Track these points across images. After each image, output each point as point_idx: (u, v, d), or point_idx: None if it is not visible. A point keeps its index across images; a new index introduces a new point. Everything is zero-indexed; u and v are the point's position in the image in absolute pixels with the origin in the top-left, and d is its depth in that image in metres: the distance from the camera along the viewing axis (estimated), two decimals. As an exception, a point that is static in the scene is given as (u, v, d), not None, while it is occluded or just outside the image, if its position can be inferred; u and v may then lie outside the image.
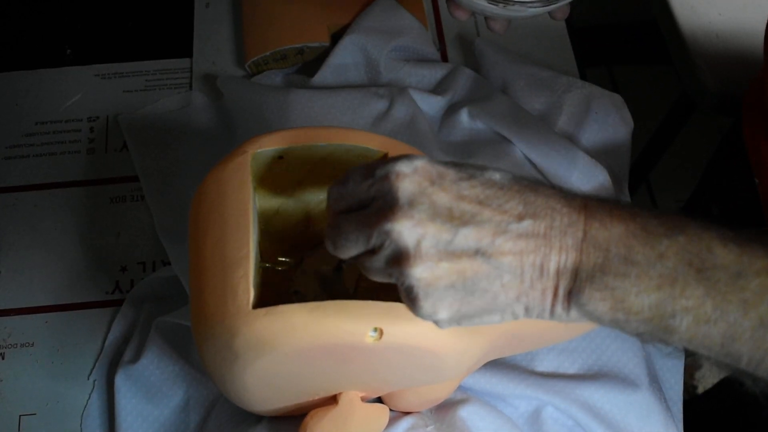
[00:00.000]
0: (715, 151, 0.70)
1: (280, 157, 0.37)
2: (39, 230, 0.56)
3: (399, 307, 0.32)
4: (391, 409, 0.42)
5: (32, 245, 0.56)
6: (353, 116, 0.56)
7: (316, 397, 0.39)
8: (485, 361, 0.40)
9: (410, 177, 0.31)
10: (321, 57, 0.62)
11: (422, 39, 0.62)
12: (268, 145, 0.36)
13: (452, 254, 0.30)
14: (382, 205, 0.31)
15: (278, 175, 0.38)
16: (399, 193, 0.30)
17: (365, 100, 0.57)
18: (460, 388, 0.46)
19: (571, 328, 0.40)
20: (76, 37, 0.65)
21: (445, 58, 0.65)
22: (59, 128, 0.61)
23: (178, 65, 0.64)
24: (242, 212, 0.35)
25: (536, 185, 0.31)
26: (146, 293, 0.53)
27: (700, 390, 1.13)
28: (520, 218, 0.30)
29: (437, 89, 0.60)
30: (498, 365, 0.47)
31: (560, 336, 0.42)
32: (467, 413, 0.44)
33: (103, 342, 0.52)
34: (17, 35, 0.66)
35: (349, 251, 0.32)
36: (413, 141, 0.54)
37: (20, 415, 0.50)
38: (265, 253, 0.40)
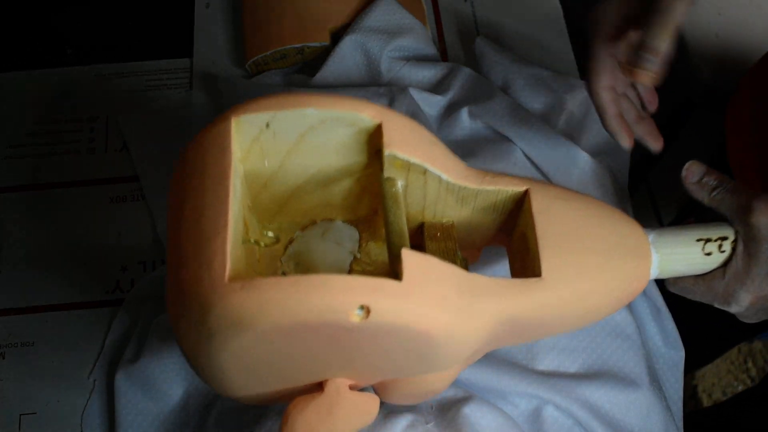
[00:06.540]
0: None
1: (266, 126, 0.35)
2: (39, 230, 0.56)
3: (389, 284, 0.30)
4: (386, 402, 0.41)
5: (32, 245, 0.56)
6: (353, 116, 0.56)
7: (300, 384, 0.36)
8: (485, 352, 0.38)
9: None
10: (321, 57, 0.62)
11: (422, 39, 0.62)
12: (253, 111, 0.34)
13: None
14: None
15: (265, 145, 0.35)
16: None
17: (365, 99, 0.57)
18: (461, 385, 0.46)
19: (573, 319, 0.38)
20: (76, 37, 0.66)
21: (445, 58, 0.65)
22: (59, 128, 0.61)
23: (178, 65, 0.64)
24: (222, 180, 0.32)
25: None
26: (146, 293, 0.53)
27: (700, 389, 1.13)
28: None
29: (437, 89, 0.60)
30: (498, 362, 0.47)
31: (561, 325, 0.40)
32: (469, 410, 0.44)
33: (103, 341, 0.52)
34: (17, 35, 0.66)
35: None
36: (413, 140, 0.55)
37: (20, 414, 0.50)
38: (252, 232, 0.38)
